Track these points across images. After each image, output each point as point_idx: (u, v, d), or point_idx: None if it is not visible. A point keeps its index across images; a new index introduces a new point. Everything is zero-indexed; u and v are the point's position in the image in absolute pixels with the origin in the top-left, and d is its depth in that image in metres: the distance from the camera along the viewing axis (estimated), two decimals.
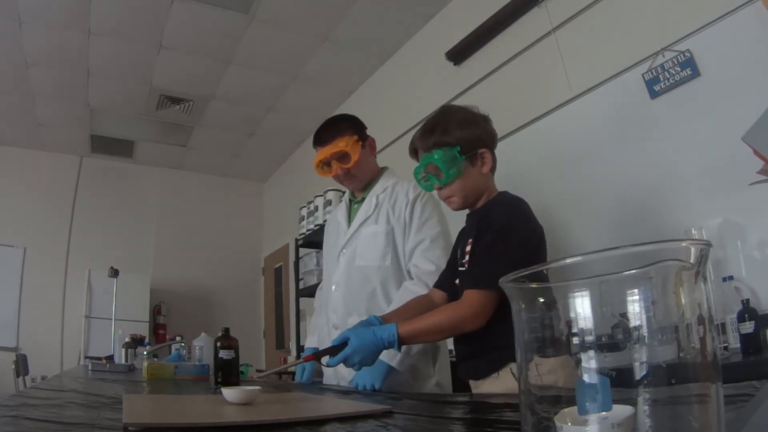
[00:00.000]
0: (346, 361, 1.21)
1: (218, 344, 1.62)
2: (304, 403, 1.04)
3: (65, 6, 3.47)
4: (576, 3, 2.64)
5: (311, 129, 1.80)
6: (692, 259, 0.33)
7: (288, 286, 5.77)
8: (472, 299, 1.21)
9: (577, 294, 0.34)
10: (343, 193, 2.72)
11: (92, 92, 4.60)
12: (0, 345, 5.01)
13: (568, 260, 0.35)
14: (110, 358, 3.19)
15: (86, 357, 4.71)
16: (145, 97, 4.71)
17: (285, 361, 5.11)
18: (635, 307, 0.33)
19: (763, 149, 1.79)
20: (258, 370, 5.09)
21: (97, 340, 5.02)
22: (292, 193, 5.80)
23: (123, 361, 2.93)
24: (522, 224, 1.28)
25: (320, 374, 1.80)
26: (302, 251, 4.30)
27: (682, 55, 2.12)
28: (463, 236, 1.41)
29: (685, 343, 0.33)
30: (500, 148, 1.42)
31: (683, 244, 0.33)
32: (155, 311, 5.73)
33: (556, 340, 0.35)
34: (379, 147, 1.91)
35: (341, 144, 1.66)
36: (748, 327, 1.67)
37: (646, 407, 0.31)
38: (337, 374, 1.66)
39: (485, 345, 1.24)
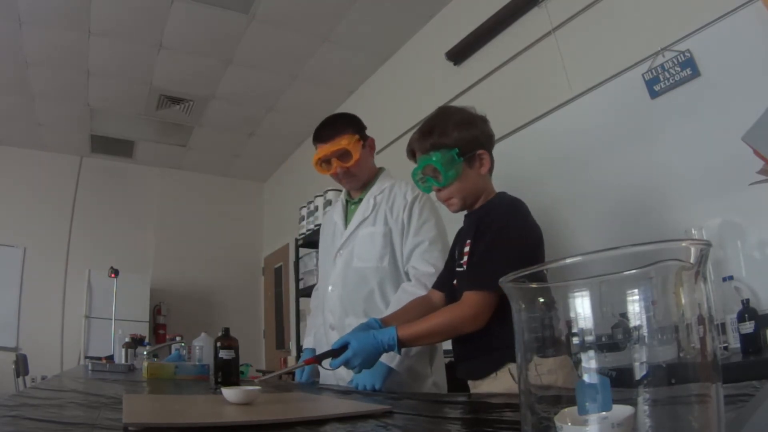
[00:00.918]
0: (346, 364, 1.22)
1: (218, 344, 1.62)
2: (304, 403, 1.04)
3: (65, 6, 3.47)
4: (576, 3, 2.63)
5: (311, 129, 1.80)
6: (692, 259, 0.33)
7: (288, 286, 5.77)
8: (471, 301, 1.21)
9: (577, 294, 0.34)
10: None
11: (92, 92, 4.60)
12: (0, 345, 5.01)
13: (568, 260, 0.35)
14: (110, 358, 3.20)
15: (86, 357, 4.71)
16: (145, 97, 4.71)
17: (285, 361, 5.12)
18: (635, 307, 0.33)
19: (763, 149, 1.79)
20: (258, 370, 5.10)
21: (97, 340, 5.02)
22: (291, 193, 5.80)
23: (123, 361, 2.93)
24: (520, 225, 1.28)
25: (318, 374, 1.80)
26: (302, 251, 4.30)
27: (682, 55, 2.12)
28: (461, 237, 1.41)
29: (685, 343, 0.33)
30: (500, 149, 1.42)
31: (683, 244, 0.33)
32: (155, 311, 5.73)
33: (556, 340, 0.35)
34: (379, 147, 1.91)
35: (343, 142, 1.65)
36: (748, 327, 1.67)
37: (646, 407, 0.31)
38: (336, 374, 1.66)
39: (484, 346, 1.24)
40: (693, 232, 1.92)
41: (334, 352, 1.23)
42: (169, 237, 6.12)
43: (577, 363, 0.33)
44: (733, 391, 0.65)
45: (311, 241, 4.03)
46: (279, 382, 1.67)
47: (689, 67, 2.09)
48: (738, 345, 1.70)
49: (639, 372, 0.32)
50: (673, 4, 2.23)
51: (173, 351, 2.48)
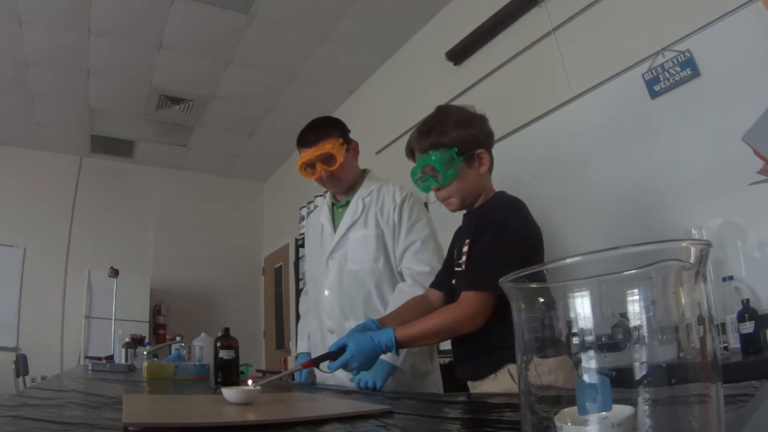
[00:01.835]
0: (345, 366, 1.22)
1: (218, 344, 1.62)
2: (304, 403, 1.04)
3: (65, 6, 3.47)
4: (576, 3, 2.64)
5: None
6: (692, 259, 0.33)
7: (288, 286, 5.77)
8: (469, 301, 1.21)
9: (577, 294, 0.34)
10: None
11: (92, 92, 4.60)
12: (0, 345, 5.01)
13: (568, 260, 0.35)
14: (110, 358, 3.20)
15: (86, 357, 4.72)
16: (145, 97, 4.71)
17: (285, 361, 5.12)
18: (635, 307, 0.33)
19: (763, 149, 1.79)
20: (258, 370, 5.10)
21: (97, 340, 5.03)
22: (291, 193, 5.80)
23: (123, 361, 2.93)
24: (520, 225, 1.27)
25: (315, 376, 1.80)
26: (302, 251, 4.28)
27: (682, 55, 2.12)
28: (459, 236, 1.40)
29: (685, 343, 0.32)
30: (500, 149, 1.41)
31: (683, 244, 0.33)
32: (155, 311, 5.73)
33: (555, 340, 0.35)
34: (379, 147, 1.91)
35: (327, 146, 1.65)
36: (748, 327, 1.67)
37: (646, 407, 0.31)
38: (335, 377, 1.66)
39: (483, 346, 1.24)
40: (693, 232, 1.92)
41: (332, 355, 1.23)
42: (169, 237, 6.12)
43: (577, 363, 0.33)
44: (733, 391, 0.65)
45: None
46: (279, 382, 1.67)
47: (689, 67, 2.09)
48: (738, 345, 1.70)
49: (639, 372, 0.32)
50: (673, 4, 2.23)
51: (173, 351, 2.48)
